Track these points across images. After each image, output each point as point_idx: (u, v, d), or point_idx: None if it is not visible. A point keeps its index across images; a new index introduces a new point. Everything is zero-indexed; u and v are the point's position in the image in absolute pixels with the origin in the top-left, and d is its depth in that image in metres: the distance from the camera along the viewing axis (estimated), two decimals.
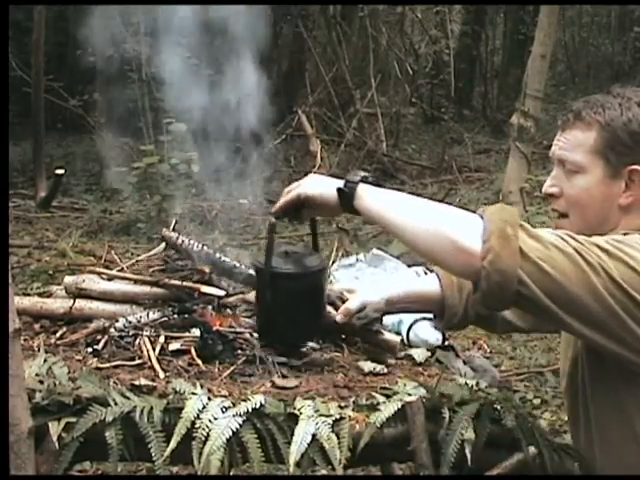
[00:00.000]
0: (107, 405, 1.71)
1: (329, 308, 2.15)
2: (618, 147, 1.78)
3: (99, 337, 2.11)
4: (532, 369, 4.87)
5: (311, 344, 2.14)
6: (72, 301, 2.23)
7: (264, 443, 1.71)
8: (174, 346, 2.05)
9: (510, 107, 9.88)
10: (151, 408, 1.72)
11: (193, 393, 1.76)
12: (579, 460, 1.91)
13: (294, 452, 1.69)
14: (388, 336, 2.22)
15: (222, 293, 2.26)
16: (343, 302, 2.11)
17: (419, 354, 2.22)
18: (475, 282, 1.62)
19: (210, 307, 2.25)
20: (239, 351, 2.06)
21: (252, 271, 2.18)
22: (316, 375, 2.00)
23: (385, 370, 2.08)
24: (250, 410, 1.72)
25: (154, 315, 2.18)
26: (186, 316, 2.19)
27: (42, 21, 7.77)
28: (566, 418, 2.07)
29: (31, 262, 5.79)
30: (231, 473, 1.72)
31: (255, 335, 2.11)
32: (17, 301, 2.08)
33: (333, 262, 2.91)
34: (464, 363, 2.26)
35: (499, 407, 1.88)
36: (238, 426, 1.70)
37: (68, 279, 2.30)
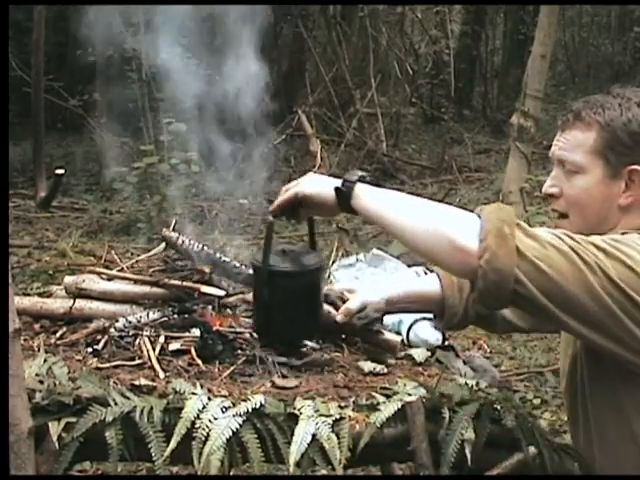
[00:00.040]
0: (107, 405, 1.71)
1: (329, 308, 2.15)
2: (618, 147, 1.78)
3: (99, 337, 2.11)
4: (532, 369, 4.87)
5: (311, 344, 2.14)
6: (72, 301, 2.23)
7: (264, 443, 1.71)
8: (174, 346, 2.05)
9: (510, 107, 9.89)
10: (151, 408, 1.72)
11: (193, 393, 1.76)
12: (579, 460, 1.91)
13: (294, 452, 1.69)
14: (389, 336, 2.23)
15: (222, 293, 2.26)
16: (343, 302, 2.11)
17: (419, 354, 2.22)
18: (472, 281, 1.62)
19: (210, 307, 2.25)
20: (239, 351, 2.06)
21: (251, 270, 2.18)
22: (316, 375, 2.00)
23: (385, 370, 2.08)
24: (250, 410, 1.72)
25: (154, 315, 2.18)
26: (186, 316, 2.19)
27: (42, 21, 7.77)
28: (566, 418, 2.07)
29: (31, 262, 5.79)
30: (231, 473, 1.72)
31: (255, 335, 2.11)
32: (17, 301, 2.08)
33: (333, 262, 2.91)
34: (464, 363, 2.26)
35: (499, 407, 1.88)
36: (238, 426, 1.70)
37: (68, 279, 2.30)
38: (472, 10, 13.40)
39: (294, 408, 1.77)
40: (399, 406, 1.79)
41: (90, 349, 2.05)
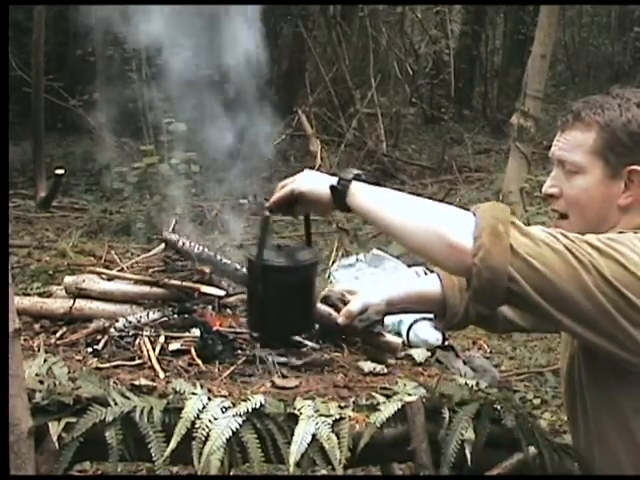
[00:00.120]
0: (107, 405, 1.71)
1: (330, 310, 2.16)
2: (617, 148, 1.78)
3: (99, 337, 2.11)
4: (532, 369, 4.87)
5: (311, 344, 2.14)
6: (72, 301, 2.23)
7: (264, 443, 1.71)
8: (174, 346, 2.05)
9: (510, 107, 9.89)
10: (151, 408, 1.72)
11: (193, 393, 1.76)
12: (579, 460, 1.91)
13: (294, 452, 1.69)
14: (390, 338, 2.23)
15: (222, 293, 2.26)
16: (344, 304, 2.11)
17: (419, 354, 2.22)
18: (468, 279, 1.62)
19: (210, 307, 2.25)
20: (239, 351, 2.06)
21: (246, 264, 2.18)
22: (316, 375, 2.00)
23: (385, 370, 2.08)
24: (250, 410, 1.72)
25: (154, 315, 2.18)
26: (186, 316, 2.19)
27: (42, 21, 7.77)
28: (566, 418, 2.07)
29: (31, 262, 5.80)
30: (231, 473, 1.72)
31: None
32: (17, 301, 2.08)
33: (333, 262, 2.91)
34: (464, 363, 2.26)
35: (499, 407, 1.88)
36: (238, 426, 1.70)
37: (68, 279, 2.31)
38: (472, 10, 13.40)
39: (294, 408, 1.77)
40: (399, 406, 1.79)
41: (90, 349, 2.05)
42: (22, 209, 7.93)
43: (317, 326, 2.17)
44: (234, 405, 1.74)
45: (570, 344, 1.91)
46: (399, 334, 2.33)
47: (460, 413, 1.83)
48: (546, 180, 1.90)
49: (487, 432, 1.83)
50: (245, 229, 2.82)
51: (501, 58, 14.65)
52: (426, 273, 2.41)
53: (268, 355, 2.02)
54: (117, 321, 2.14)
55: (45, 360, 1.90)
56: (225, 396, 1.79)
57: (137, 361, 1.99)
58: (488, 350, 4.50)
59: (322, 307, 2.20)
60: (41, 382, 1.76)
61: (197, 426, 1.69)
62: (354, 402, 1.84)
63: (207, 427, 1.69)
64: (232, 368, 1.97)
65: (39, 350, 2.00)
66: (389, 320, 2.30)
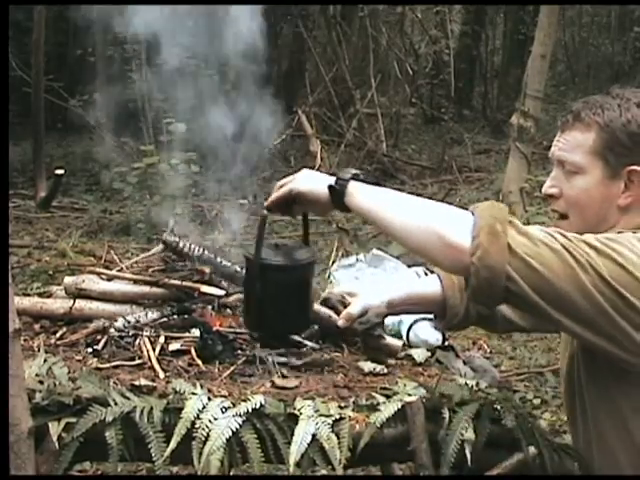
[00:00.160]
0: (107, 405, 1.72)
1: (330, 312, 2.15)
2: (617, 148, 1.78)
3: (99, 337, 2.11)
4: (532, 369, 4.87)
5: (311, 344, 2.14)
6: (72, 301, 2.23)
7: (264, 443, 1.71)
8: (174, 346, 2.05)
9: (510, 107, 9.89)
10: (151, 408, 1.72)
11: (193, 393, 1.76)
12: (579, 460, 1.91)
13: (294, 452, 1.69)
14: (390, 341, 2.23)
15: (222, 292, 2.26)
16: (344, 306, 2.11)
17: (419, 354, 2.22)
18: (466, 278, 1.62)
19: (210, 307, 2.25)
20: (239, 351, 2.06)
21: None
22: (316, 375, 2.00)
23: (385, 370, 2.08)
24: (250, 410, 1.72)
25: (153, 315, 2.18)
26: (186, 316, 2.19)
27: (42, 21, 7.76)
28: (566, 418, 2.08)
29: (31, 262, 5.80)
30: (231, 473, 1.72)
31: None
32: (17, 301, 2.08)
33: (333, 262, 2.91)
34: (464, 363, 2.26)
35: (499, 407, 1.88)
36: (238, 426, 1.70)
37: (68, 280, 2.31)
38: (472, 10, 13.40)
39: (294, 408, 1.77)
40: (399, 406, 1.79)
41: (90, 349, 2.05)
42: (22, 209, 7.93)
43: (315, 327, 2.18)
44: (234, 405, 1.74)
45: (570, 344, 1.91)
46: (399, 334, 2.33)
47: (460, 413, 1.83)
48: (546, 180, 1.90)
49: (487, 432, 1.83)
50: (245, 229, 2.82)
51: (501, 58, 14.65)
52: (426, 273, 2.41)
53: (268, 355, 2.02)
54: (116, 320, 2.14)
55: (45, 360, 1.90)
56: (225, 396, 1.79)
57: (137, 361, 1.99)
58: (488, 350, 4.48)
59: (322, 309, 2.20)
60: (41, 382, 1.77)
61: (197, 426, 1.69)
62: (354, 402, 1.84)
63: (207, 427, 1.69)
64: (232, 368, 1.98)
65: (39, 350, 2.01)
66: (389, 320, 2.29)
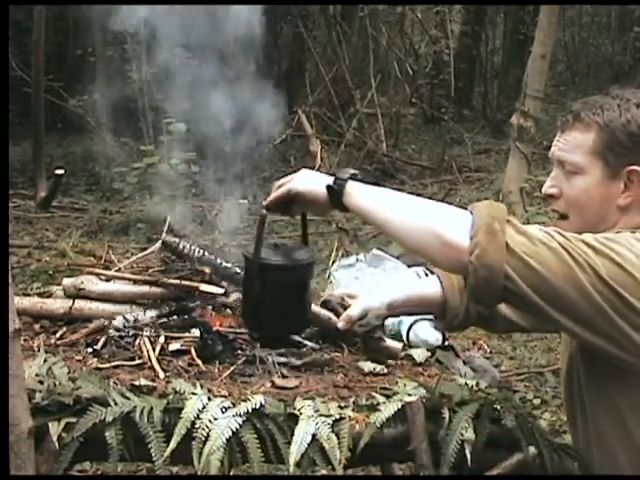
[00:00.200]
0: (107, 405, 1.72)
1: (330, 314, 2.15)
2: (617, 148, 1.78)
3: (99, 337, 2.11)
4: (532, 369, 4.87)
5: (311, 344, 2.14)
6: (72, 301, 2.23)
7: (264, 443, 1.71)
8: (174, 346, 2.05)
9: (510, 107, 9.89)
10: (151, 408, 1.72)
11: (193, 393, 1.76)
12: (579, 460, 1.90)
13: (294, 452, 1.69)
14: (390, 343, 2.22)
15: (221, 291, 2.26)
16: (344, 308, 2.11)
17: (419, 354, 2.22)
18: (465, 278, 1.63)
19: (210, 307, 2.25)
20: (239, 351, 2.06)
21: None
22: (316, 375, 2.00)
23: (385, 370, 2.08)
24: (250, 410, 1.72)
25: (152, 314, 2.18)
26: (186, 316, 2.19)
27: (42, 21, 7.76)
28: (566, 418, 2.08)
29: (31, 262, 5.80)
30: (231, 473, 1.72)
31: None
32: (17, 301, 2.08)
33: (333, 262, 2.91)
34: (464, 363, 2.26)
35: (499, 407, 1.88)
36: (238, 426, 1.70)
37: (67, 281, 2.31)
38: (472, 10, 13.39)
39: (294, 408, 1.77)
40: (399, 406, 1.79)
41: (90, 349, 2.05)
42: (22, 209, 7.93)
43: (315, 328, 2.17)
44: (234, 405, 1.74)
45: (569, 344, 1.91)
46: (399, 334, 2.32)
47: (460, 413, 1.83)
48: (546, 180, 1.90)
49: (487, 432, 1.83)
50: (245, 229, 2.82)
51: (501, 58, 14.64)
52: (426, 274, 2.41)
53: (268, 355, 2.02)
54: (114, 319, 2.14)
55: (45, 360, 1.90)
56: (225, 396, 1.79)
57: (137, 361, 1.99)
58: (488, 350, 4.48)
59: (322, 311, 2.20)
60: (41, 382, 1.77)
61: (197, 426, 1.69)
62: (354, 402, 1.84)
63: (207, 427, 1.69)
64: (232, 368, 1.98)
65: (39, 350, 2.01)
66: (389, 320, 2.29)
